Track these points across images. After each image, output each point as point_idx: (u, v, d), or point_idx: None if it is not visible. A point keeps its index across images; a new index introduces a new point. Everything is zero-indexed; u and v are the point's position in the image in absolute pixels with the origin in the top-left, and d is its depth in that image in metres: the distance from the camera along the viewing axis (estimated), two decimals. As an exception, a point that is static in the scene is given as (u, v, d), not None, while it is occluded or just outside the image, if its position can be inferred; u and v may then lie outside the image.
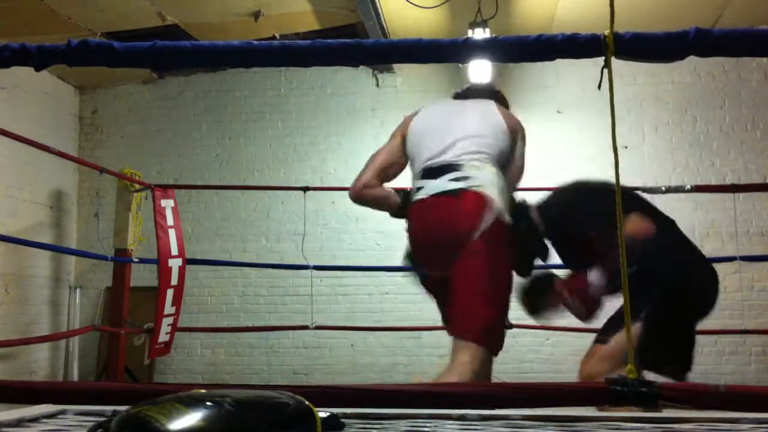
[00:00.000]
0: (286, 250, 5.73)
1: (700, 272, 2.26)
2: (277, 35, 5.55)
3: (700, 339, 5.11)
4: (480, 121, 2.29)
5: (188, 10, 5.12)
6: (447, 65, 5.70)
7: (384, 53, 1.38)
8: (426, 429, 0.96)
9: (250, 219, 6.00)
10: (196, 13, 5.15)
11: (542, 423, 1.00)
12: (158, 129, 6.29)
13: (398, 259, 2.48)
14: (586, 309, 2.23)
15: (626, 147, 5.62)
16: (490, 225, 2.06)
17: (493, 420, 1.02)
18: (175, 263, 4.30)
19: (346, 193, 2.38)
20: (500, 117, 2.30)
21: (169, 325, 4.33)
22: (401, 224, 2.33)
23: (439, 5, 4.84)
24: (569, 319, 5.83)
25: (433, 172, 2.21)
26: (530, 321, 5.30)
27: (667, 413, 1.01)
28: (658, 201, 5.53)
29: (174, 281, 4.30)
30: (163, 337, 4.29)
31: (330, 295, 5.73)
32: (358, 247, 5.83)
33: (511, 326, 4.44)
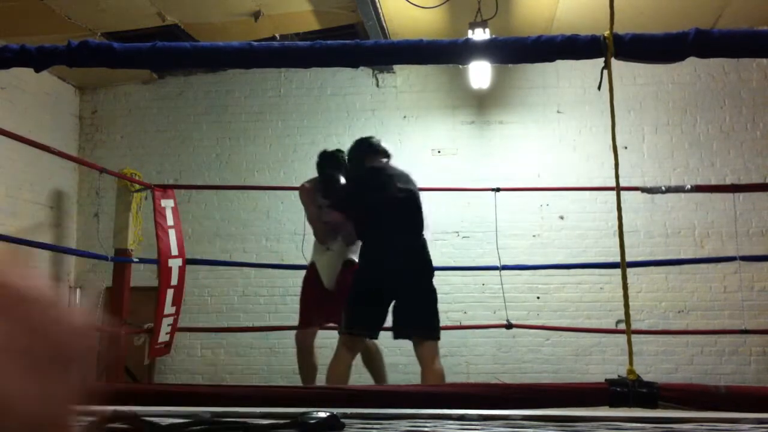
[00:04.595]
0: (286, 250, 5.73)
1: None
2: (277, 35, 5.55)
3: (700, 339, 5.15)
4: None
5: (188, 10, 5.12)
6: (447, 65, 5.70)
7: (384, 53, 1.39)
8: (426, 429, 0.96)
9: (250, 219, 6.00)
10: (196, 13, 5.15)
11: (542, 423, 1.00)
12: (158, 129, 6.29)
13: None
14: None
15: (626, 147, 5.62)
16: None
17: (493, 420, 1.02)
18: (175, 263, 4.30)
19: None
20: None
21: (169, 325, 4.33)
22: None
23: (439, 5, 4.84)
24: (569, 320, 5.80)
25: None
26: (530, 321, 5.33)
27: (667, 413, 1.02)
28: (659, 201, 5.58)
29: (174, 281, 4.30)
30: (163, 337, 4.29)
31: (330, 295, 5.72)
32: (358, 247, 5.82)
33: (511, 326, 4.45)
